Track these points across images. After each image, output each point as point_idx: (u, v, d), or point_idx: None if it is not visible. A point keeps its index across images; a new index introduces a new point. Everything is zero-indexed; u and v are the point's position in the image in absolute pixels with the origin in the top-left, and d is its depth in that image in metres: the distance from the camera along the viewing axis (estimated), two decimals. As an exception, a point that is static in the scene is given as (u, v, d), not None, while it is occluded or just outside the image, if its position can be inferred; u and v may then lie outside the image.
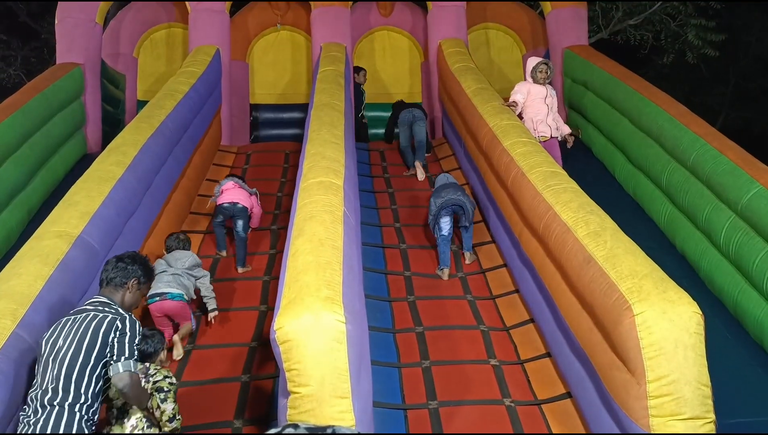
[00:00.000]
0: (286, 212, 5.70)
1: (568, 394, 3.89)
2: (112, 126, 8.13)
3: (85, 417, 2.81)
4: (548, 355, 4.27)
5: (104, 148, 5.36)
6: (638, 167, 6.30)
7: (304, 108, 7.82)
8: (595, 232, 3.82)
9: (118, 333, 2.90)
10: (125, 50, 9.14)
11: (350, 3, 8.50)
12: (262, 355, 4.32)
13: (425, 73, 9.12)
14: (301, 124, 7.65)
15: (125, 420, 3.09)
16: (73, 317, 2.98)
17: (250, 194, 5.55)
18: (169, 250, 4.71)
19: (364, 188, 6.61)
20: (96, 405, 2.88)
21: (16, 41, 14.82)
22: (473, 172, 6.43)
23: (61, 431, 2.73)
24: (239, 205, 5.35)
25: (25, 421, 2.81)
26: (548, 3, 8.60)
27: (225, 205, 5.37)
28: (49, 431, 2.72)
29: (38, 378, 2.87)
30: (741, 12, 17.29)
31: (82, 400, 2.81)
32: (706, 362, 3.04)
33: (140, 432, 3.07)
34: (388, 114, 8.29)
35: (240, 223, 5.31)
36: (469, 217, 5.41)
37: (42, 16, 14.85)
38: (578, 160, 6.94)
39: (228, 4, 8.27)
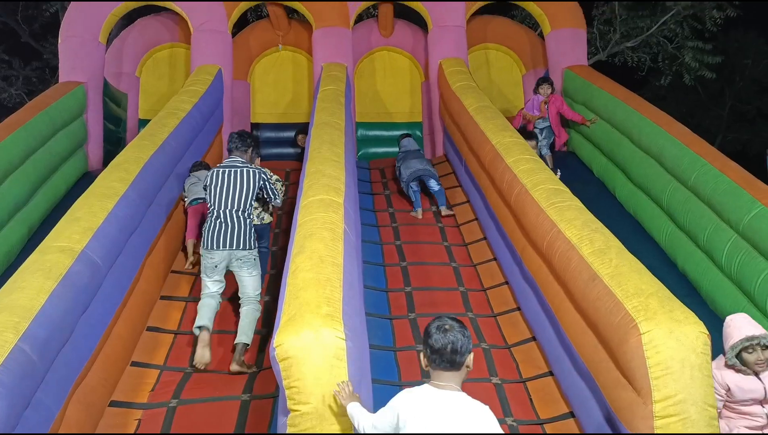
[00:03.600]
0: (285, 232, 5.71)
1: (571, 414, 3.85)
2: (113, 144, 8.15)
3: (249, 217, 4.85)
4: (551, 373, 4.23)
5: (105, 166, 5.36)
6: (639, 187, 6.31)
7: (305, 127, 7.86)
8: (600, 250, 3.81)
9: (264, 180, 4.95)
10: (128, 69, 9.19)
11: (351, 24, 8.57)
12: (263, 377, 4.30)
13: (426, 92, 9.18)
14: (301, 142, 7.68)
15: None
16: (231, 169, 4.85)
17: None
18: (197, 169, 6.09)
19: (365, 206, 6.61)
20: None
21: (18, 61, 14.92)
22: (474, 190, 6.44)
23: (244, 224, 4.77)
24: None
25: (216, 223, 4.72)
26: (548, 24, 8.69)
27: None
28: (236, 225, 4.73)
29: (212, 200, 4.79)
30: (737, 35, 17.52)
31: (248, 211, 4.85)
32: (713, 382, 3.02)
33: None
34: (390, 133, 8.33)
35: None
36: (437, 180, 6.69)
37: (44, 37, 14.98)
38: (579, 179, 6.96)
39: (230, 24, 8.33)
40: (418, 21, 9.34)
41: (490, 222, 5.85)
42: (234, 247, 4.68)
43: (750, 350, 3.37)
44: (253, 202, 4.89)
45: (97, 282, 3.91)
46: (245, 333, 4.57)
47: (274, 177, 5.67)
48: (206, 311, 4.60)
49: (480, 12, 9.15)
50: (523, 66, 9.67)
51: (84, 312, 3.74)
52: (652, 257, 5.39)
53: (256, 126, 9.23)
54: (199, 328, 4.50)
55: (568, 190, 4.75)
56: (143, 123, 8.70)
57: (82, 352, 3.70)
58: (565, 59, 8.47)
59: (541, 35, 9.31)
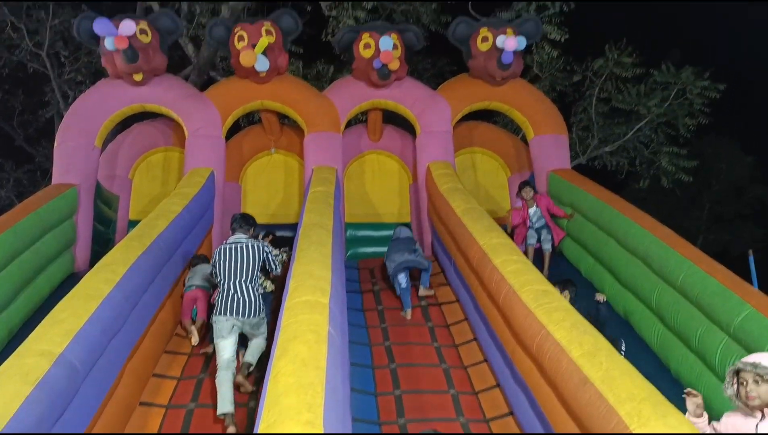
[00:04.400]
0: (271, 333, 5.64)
1: None
2: (101, 245, 8.13)
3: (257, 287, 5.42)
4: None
5: (92, 266, 5.33)
6: (627, 287, 6.34)
7: (294, 228, 7.92)
8: (590, 353, 3.78)
9: (266, 252, 5.49)
10: (121, 172, 9.34)
11: (342, 129, 8.87)
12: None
13: (414, 193, 9.37)
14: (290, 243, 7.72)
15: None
16: (237, 244, 5.41)
17: None
18: (194, 265, 6.54)
19: (353, 306, 6.56)
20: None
21: (11, 164, 15.15)
22: (464, 290, 6.43)
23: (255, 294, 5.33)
24: None
25: (230, 294, 5.25)
26: (531, 130, 9.04)
27: None
28: (248, 296, 5.28)
29: (223, 273, 5.31)
30: (710, 140, 18.29)
31: (256, 281, 5.39)
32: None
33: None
34: (379, 233, 8.40)
35: None
36: (423, 266, 6.82)
37: (38, 141, 15.33)
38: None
39: (224, 129, 8.59)
40: (405, 125, 9.70)
41: (480, 322, 5.80)
42: (247, 317, 5.25)
43: (743, 381, 3.05)
44: (259, 273, 5.44)
45: (74, 386, 3.78)
46: (252, 355, 5.34)
47: (274, 251, 6.18)
48: (227, 392, 4.88)
49: (466, 118, 9.51)
50: (509, 169, 9.97)
51: (61, 416, 3.60)
52: (644, 359, 5.33)
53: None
54: (224, 414, 4.79)
55: (556, 291, 4.77)
56: (133, 224, 8.75)
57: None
58: (549, 163, 8.75)
59: (524, 140, 9.65)
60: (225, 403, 4.80)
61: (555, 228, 7.71)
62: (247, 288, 5.30)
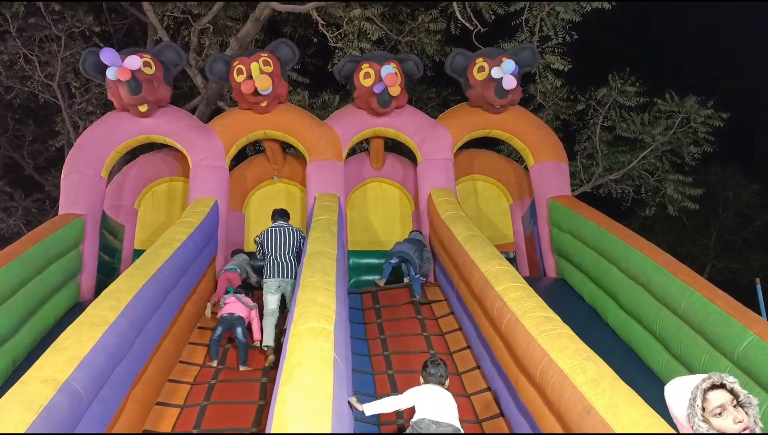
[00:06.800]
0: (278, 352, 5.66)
1: None
2: (107, 275, 8.18)
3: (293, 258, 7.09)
4: None
5: (97, 296, 5.35)
6: (630, 314, 6.30)
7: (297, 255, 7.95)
8: (593, 380, 3.76)
9: (302, 236, 7.22)
10: (127, 202, 9.44)
11: (344, 157, 8.95)
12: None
13: (416, 221, 9.41)
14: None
15: None
16: (280, 228, 7.21)
17: (250, 308, 6.70)
18: (234, 254, 8.23)
19: (357, 335, 6.54)
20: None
21: (20, 193, 15.32)
22: (467, 318, 6.42)
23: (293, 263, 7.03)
24: (236, 315, 6.50)
25: (276, 262, 7.01)
26: (531, 157, 9.10)
27: (224, 315, 6.52)
28: (288, 264, 7.01)
29: (271, 248, 7.08)
30: (715, 169, 18.33)
31: (294, 255, 7.09)
32: None
33: None
34: (381, 261, 8.42)
35: (239, 329, 6.42)
36: (415, 268, 7.61)
37: (48, 170, 15.52)
38: (570, 305, 6.96)
39: (228, 159, 8.69)
40: (407, 154, 9.77)
41: (482, 350, 5.78)
42: (286, 277, 6.97)
43: (719, 412, 2.36)
44: (294, 250, 7.10)
45: (78, 414, 3.78)
46: (269, 338, 6.49)
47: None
48: (270, 331, 6.50)
49: (467, 145, 9.59)
50: (510, 196, 10.00)
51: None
52: (650, 387, 5.24)
53: (250, 255, 9.34)
54: (267, 346, 6.39)
55: (558, 318, 4.74)
56: (138, 253, 8.80)
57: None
58: (549, 190, 8.78)
59: (525, 167, 9.71)
60: (269, 339, 6.44)
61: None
62: (288, 259, 7.02)
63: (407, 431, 4.29)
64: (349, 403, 4.19)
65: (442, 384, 4.50)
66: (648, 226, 17.71)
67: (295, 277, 6.69)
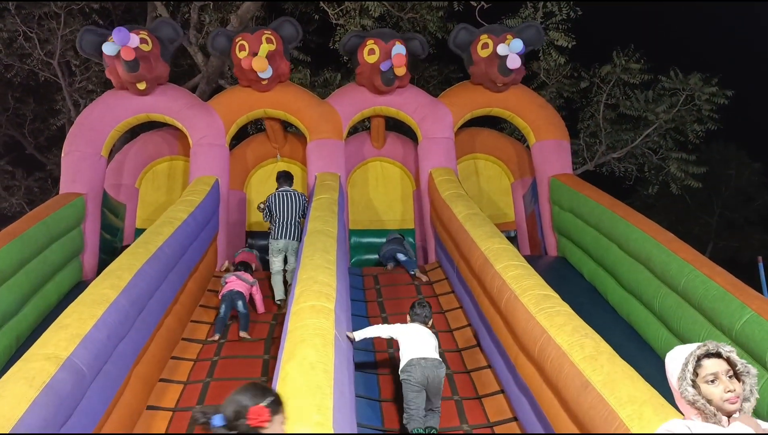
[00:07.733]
0: (277, 338, 5.69)
1: None
2: (108, 253, 8.20)
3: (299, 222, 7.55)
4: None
5: (99, 274, 5.38)
6: (630, 292, 6.32)
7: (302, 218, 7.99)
8: (591, 356, 3.80)
9: (305, 200, 7.69)
10: (127, 181, 9.44)
11: (344, 136, 8.92)
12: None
13: (417, 200, 9.40)
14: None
15: None
16: (286, 192, 7.70)
17: (250, 285, 6.81)
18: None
19: (358, 313, 6.58)
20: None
21: (21, 172, 15.31)
22: (467, 296, 6.44)
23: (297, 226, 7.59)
24: (235, 290, 6.61)
25: (283, 224, 7.54)
26: (532, 135, 9.06)
27: (225, 293, 6.61)
28: (293, 226, 7.59)
29: (278, 211, 7.58)
30: (718, 147, 18.24)
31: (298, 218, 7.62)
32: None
33: None
34: (382, 239, 8.46)
35: (239, 302, 6.55)
36: (406, 254, 8.10)
37: (50, 149, 15.49)
38: (570, 283, 6.97)
39: (228, 138, 8.66)
40: (408, 132, 9.73)
41: (482, 328, 5.81)
42: (291, 239, 7.48)
43: (712, 379, 2.32)
44: (299, 214, 7.59)
45: (81, 390, 3.82)
46: (281, 292, 7.20)
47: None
48: (280, 287, 7.24)
49: (468, 124, 9.55)
50: (512, 174, 9.98)
51: (67, 421, 3.64)
52: (648, 363, 5.28)
53: (250, 234, 9.37)
54: (280, 300, 7.12)
55: (557, 295, 4.77)
56: (139, 232, 8.83)
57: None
58: (551, 168, 8.75)
59: (527, 146, 9.67)
60: (279, 293, 7.18)
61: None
62: (293, 221, 7.54)
63: (401, 375, 4.75)
64: (348, 336, 4.80)
65: (425, 323, 5.14)
66: (650, 204, 17.68)
67: (300, 240, 7.07)
